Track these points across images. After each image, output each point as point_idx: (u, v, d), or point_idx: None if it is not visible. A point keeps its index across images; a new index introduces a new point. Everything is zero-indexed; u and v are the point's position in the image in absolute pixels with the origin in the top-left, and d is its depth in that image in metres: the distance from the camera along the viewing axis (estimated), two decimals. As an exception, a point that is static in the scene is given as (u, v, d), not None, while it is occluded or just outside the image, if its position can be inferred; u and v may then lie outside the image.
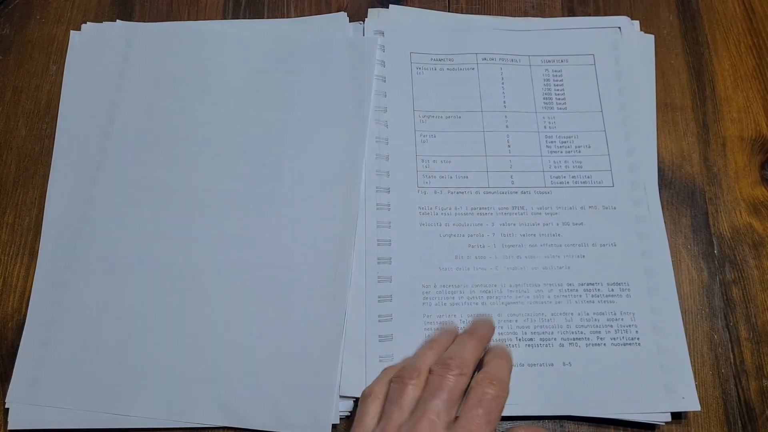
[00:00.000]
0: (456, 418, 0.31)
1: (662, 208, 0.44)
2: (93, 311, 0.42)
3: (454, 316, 0.41)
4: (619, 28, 0.49)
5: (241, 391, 0.40)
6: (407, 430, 0.31)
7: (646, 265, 0.42)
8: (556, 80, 0.48)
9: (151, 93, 0.48)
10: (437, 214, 0.44)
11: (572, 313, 0.41)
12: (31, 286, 0.43)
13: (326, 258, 0.43)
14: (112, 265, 0.43)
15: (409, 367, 0.34)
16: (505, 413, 0.39)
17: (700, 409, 0.39)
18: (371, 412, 0.34)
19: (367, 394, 0.34)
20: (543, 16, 0.51)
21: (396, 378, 0.34)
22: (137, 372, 0.40)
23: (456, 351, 0.34)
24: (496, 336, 0.41)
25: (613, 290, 0.42)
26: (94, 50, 0.49)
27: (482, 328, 0.37)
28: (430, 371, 0.33)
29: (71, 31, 0.50)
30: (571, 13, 0.51)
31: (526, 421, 0.39)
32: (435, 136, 0.46)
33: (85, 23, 0.51)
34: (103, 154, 0.46)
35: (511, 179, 0.45)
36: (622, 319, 0.41)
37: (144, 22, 0.51)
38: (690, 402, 0.39)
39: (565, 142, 0.46)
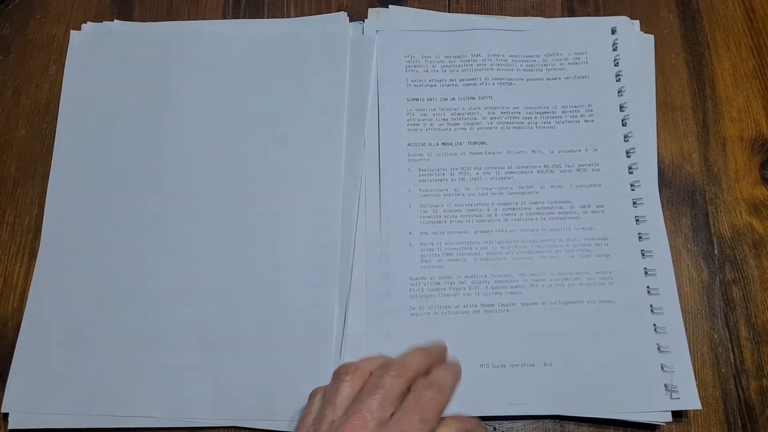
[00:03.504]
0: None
1: (662, 208, 0.44)
2: (91, 311, 0.42)
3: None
4: (619, 28, 0.49)
5: (237, 389, 0.40)
6: (338, 426, 0.30)
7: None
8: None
9: (150, 93, 0.48)
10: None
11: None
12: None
13: (326, 254, 0.43)
14: (110, 264, 0.43)
15: (347, 365, 0.34)
16: (506, 414, 0.39)
17: (701, 408, 0.39)
18: (312, 410, 0.34)
19: (313, 393, 0.35)
20: (543, 16, 0.51)
21: (333, 375, 0.34)
22: (135, 372, 0.40)
23: (398, 358, 0.34)
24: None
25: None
26: (94, 50, 0.49)
27: (433, 346, 0.38)
28: (371, 375, 0.33)
29: (71, 31, 0.50)
30: (571, 13, 0.51)
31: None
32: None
33: (85, 23, 0.51)
34: (103, 154, 0.46)
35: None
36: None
37: (144, 21, 0.51)
38: (690, 401, 0.39)
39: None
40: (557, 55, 0.49)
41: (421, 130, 0.47)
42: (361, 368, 0.33)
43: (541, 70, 0.48)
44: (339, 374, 0.33)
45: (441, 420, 0.33)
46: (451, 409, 0.39)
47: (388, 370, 0.33)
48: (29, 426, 0.39)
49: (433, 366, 0.36)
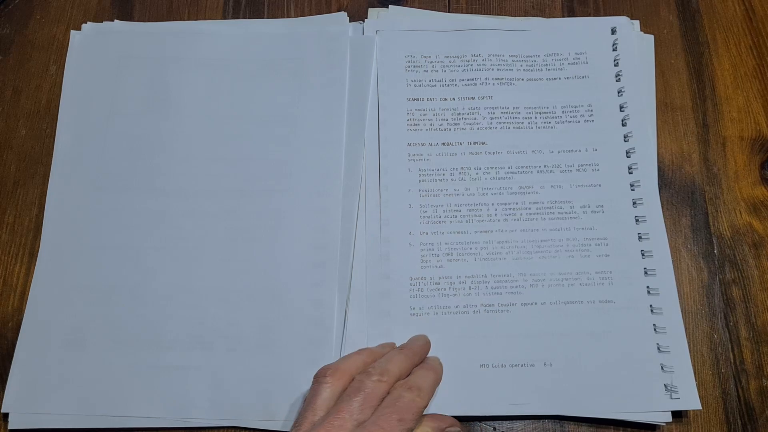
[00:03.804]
0: None
1: (662, 208, 0.44)
2: (91, 311, 0.42)
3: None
4: (619, 28, 0.49)
5: (237, 389, 0.40)
6: (318, 426, 0.31)
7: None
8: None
9: (150, 92, 0.48)
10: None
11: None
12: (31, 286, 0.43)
13: (326, 254, 0.43)
14: (110, 264, 0.43)
15: (326, 367, 0.35)
16: (506, 414, 0.39)
17: (701, 408, 0.39)
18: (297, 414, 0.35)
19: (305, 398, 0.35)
20: (543, 16, 0.51)
21: (314, 378, 0.35)
22: (135, 372, 0.40)
23: (380, 362, 0.35)
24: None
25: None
26: (94, 50, 0.49)
27: (414, 344, 0.38)
28: (354, 379, 0.34)
29: (71, 31, 0.50)
30: (571, 13, 0.51)
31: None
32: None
33: (85, 23, 0.51)
34: (103, 154, 0.46)
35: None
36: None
37: (144, 22, 0.51)
38: (690, 401, 0.39)
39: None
40: (557, 55, 0.49)
41: (421, 130, 0.47)
42: (341, 369, 0.34)
43: (541, 70, 0.48)
44: (318, 377, 0.34)
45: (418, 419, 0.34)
46: (451, 408, 0.39)
47: (370, 375, 0.33)
48: (29, 426, 0.40)
49: (414, 367, 0.36)
